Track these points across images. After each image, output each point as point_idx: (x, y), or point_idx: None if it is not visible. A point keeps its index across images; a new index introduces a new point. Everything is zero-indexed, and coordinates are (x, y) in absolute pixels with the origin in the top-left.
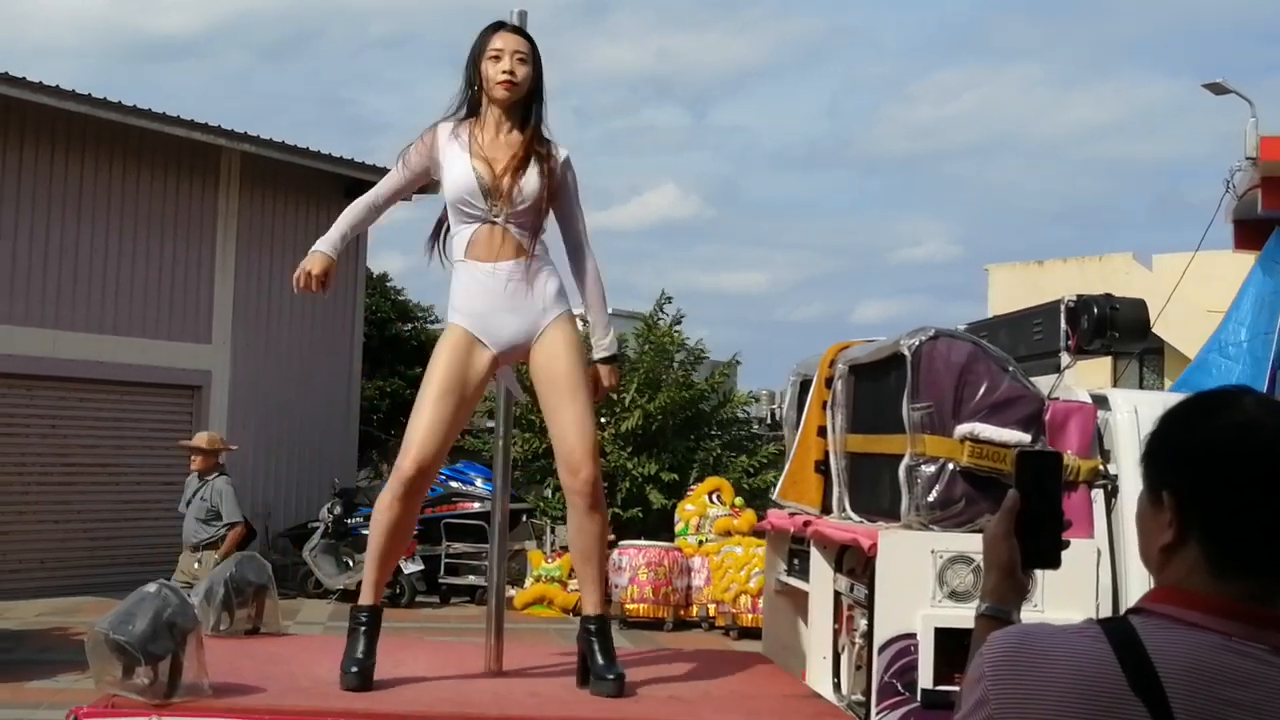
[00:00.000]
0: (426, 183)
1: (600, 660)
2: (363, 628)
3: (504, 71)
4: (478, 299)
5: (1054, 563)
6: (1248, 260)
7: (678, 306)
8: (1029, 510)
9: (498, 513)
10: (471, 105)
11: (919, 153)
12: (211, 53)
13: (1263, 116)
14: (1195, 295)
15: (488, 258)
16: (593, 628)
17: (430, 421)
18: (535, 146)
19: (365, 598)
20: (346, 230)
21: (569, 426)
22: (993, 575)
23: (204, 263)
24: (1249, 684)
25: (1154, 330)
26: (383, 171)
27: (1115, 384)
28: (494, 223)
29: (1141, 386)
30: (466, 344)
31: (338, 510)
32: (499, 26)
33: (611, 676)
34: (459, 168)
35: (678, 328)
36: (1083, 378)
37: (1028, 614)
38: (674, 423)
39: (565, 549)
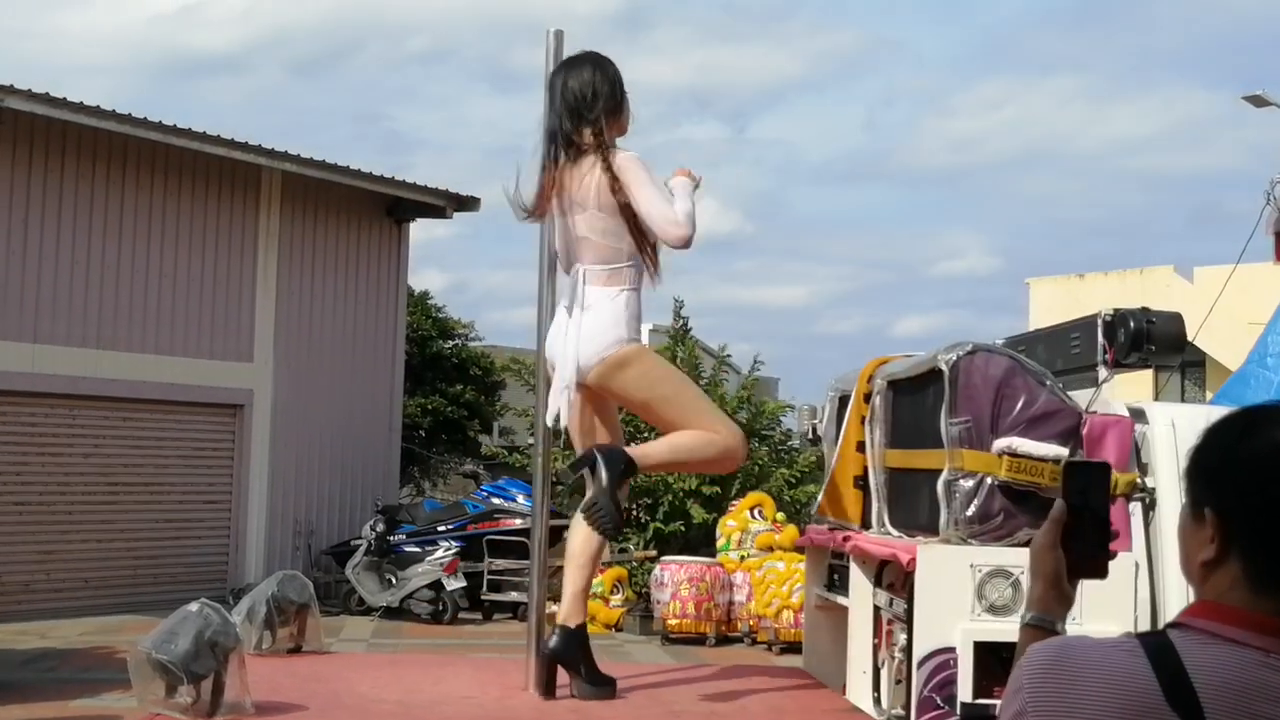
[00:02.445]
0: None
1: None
2: None
3: None
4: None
5: (1101, 573)
6: None
7: (685, 315)
8: (1075, 521)
9: (538, 528)
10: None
11: (959, 165)
12: (249, 69)
13: None
14: (1236, 307)
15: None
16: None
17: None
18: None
19: None
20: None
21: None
22: (1038, 585)
23: (245, 281)
24: None
25: (1195, 343)
26: (423, 189)
27: (1157, 397)
28: None
29: (1183, 399)
30: None
31: (380, 528)
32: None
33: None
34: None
35: (694, 336)
36: (1124, 391)
37: (1066, 626)
38: None
39: (608, 565)
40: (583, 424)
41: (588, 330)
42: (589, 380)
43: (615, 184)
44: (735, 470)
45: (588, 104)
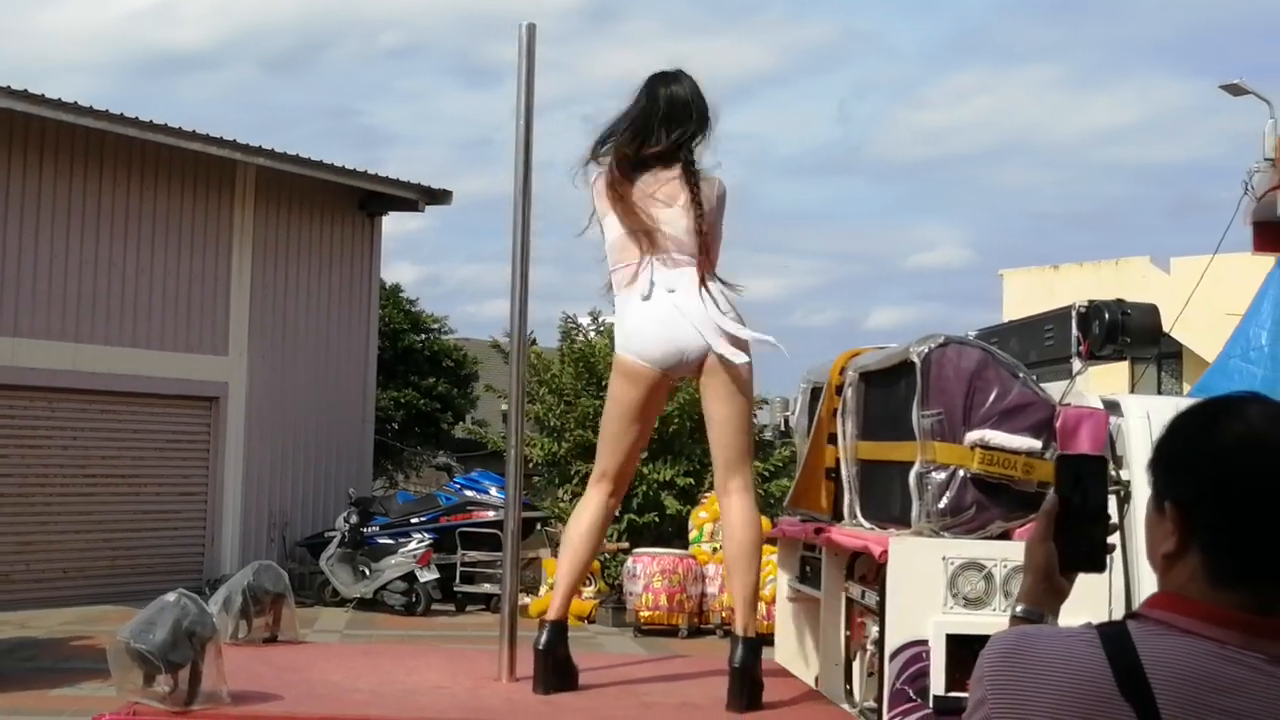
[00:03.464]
0: None
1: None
2: None
3: None
4: None
5: (1096, 566)
6: (1267, 262)
7: None
8: (1068, 514)
9: (511, 520)
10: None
11: (932, 157)
12: (223, 65)
13: None
14: (1214, 298)
15: None
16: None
17: None
18: None
19: None
20: None
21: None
22: (1029, 578)
23: (220, 275)
24: (1242, 692)
25: (1172, 334)
26: (396, 183)
27: (1133, 389)
28: None
29: (1160, 391)
30: None
31: (354, 519)
32: None
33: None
34: None
35: None
36: (1101, 382)
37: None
38: (689, 424)
39: None
40: (646, 409)
41: (715, 314)
42: (706, 365)
43: (720, 205)
44: None
45: (688, 114)
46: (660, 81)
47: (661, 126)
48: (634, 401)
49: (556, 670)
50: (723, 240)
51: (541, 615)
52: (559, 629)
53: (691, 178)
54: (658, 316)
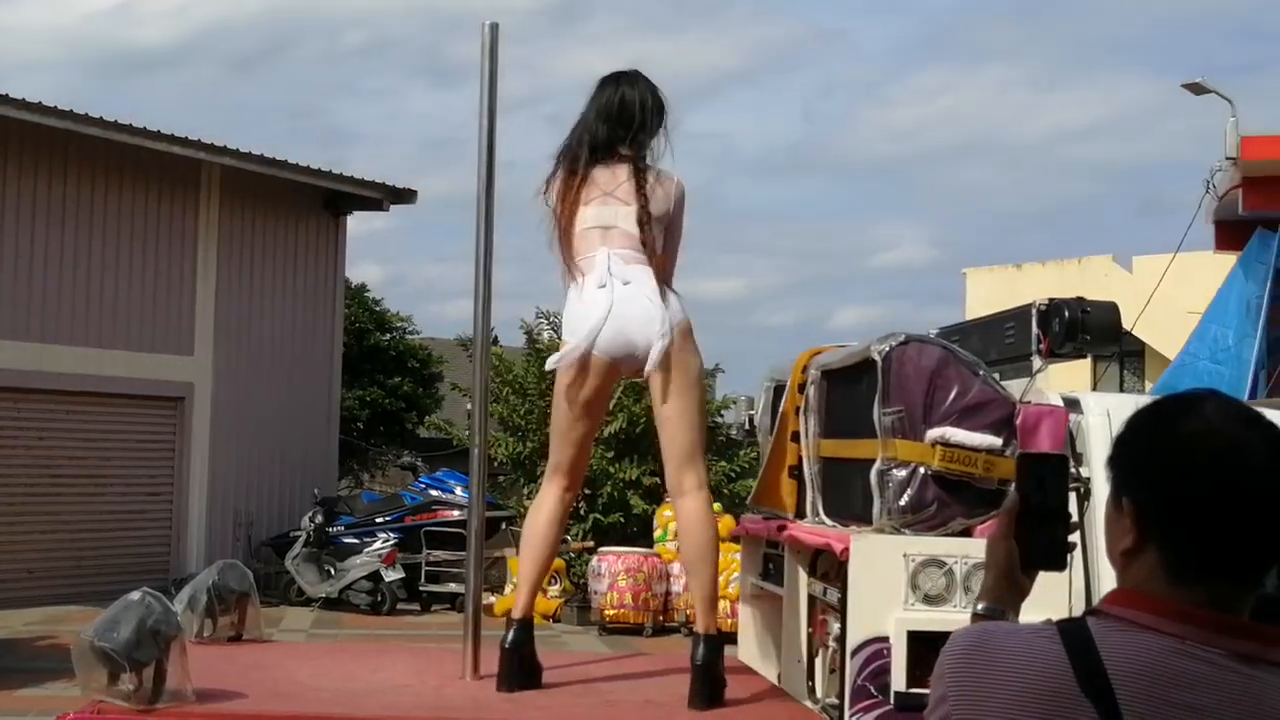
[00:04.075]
0: None
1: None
2: None
3: None
4: None
5: (1058, 565)
6: (1228, 261)
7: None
8: (1029, 512)
9: (474, 519)
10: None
11: (897, 156)
12: (186, 65)
13: (1243, 116)
14: (1176, 297)
15: None
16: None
17: None
18: None
19: None
20: None
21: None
22: (990, 575)
23: (186, 275)
24: (1201, 687)
25: (1134, 332)
26: (361, 182)
27: (1095, 386)
28: None
29: (1122, 389)
30: None
31: (319, 519)
32: None
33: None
34: None
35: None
36: (1063, 380)
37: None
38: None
39: None
40: (593, 399)
41: (656, 309)
42: (652, 357)
43: (679, 206)
44: None
45: (642, 113)
46: (612, 82)
47: (615, 126)
48: (580, 391)
49: (521, 668)
50: (684, 239)
51: (507, 614)
52: (525, 627)
53: (644, 177)
54: (608, 307)
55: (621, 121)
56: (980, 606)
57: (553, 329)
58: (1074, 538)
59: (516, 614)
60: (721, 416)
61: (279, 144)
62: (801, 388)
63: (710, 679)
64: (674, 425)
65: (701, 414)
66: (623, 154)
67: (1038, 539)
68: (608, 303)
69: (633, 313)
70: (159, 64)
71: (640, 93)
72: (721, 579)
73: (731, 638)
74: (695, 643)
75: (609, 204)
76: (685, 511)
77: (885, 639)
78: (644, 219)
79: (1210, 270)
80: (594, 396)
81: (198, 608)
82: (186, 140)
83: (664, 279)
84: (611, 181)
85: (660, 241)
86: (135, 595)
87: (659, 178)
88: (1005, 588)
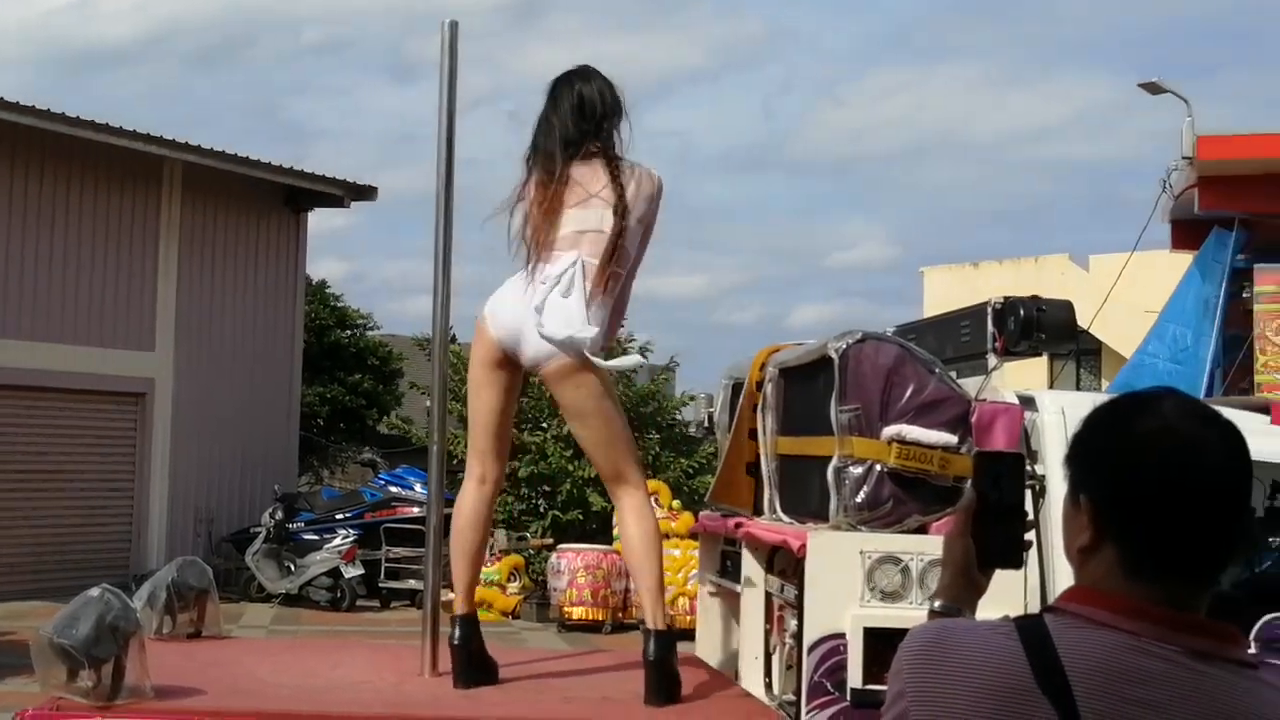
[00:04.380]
0: None
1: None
2: None
3: None
4: None
5: (1014, 563)
6: (1184, 260)
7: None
8: (985, 510)
9: (434, 516)
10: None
11: (857, 154)
12: (145, 61)
13: (1199, 116)
14: (1132, 295)
15: None
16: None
17: None
18: None
19: None
20: None
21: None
22: (947, 573)
23: (147, 271)
24: (1156, 684)
25: (1091, 331)
26: (322, 179)
27: (1051, 385)
28: None
29: (1078, 387)
30: None
31: (279, 515)
32: None
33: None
34: None
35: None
36: (1020, 378)
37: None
38: None
39: (505, 553)
40: (499, 404)
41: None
42: (551, 365)
43: (656, 205)
44: None
45: (601, 111)
46: (566, 81)
47: (580, 121)
48: (479, 363)
49: (475, 664)
50: (653, 235)
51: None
52: (469, 622)
53: (624, 175)
54: (521, 291)
55: (585, 116)
56: (937, 604)
57: None
58: (1029, 536)
59: (458, 610)
60: (679, 413)
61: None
62: (760, 385)
63: (664, 674)
64: (590, 449)
65: (612, 427)
66: (594, 149)
67: (994, 537)
68: (523, 292)
69: (529, 307)
70: (119, 61)
71: (598, 85)
72: (680, 576)
73: (688, 634)
74: (646, 639)
75: (592, 206)
76: (623, 512)
77: (842, 635)
78: (622, 226)
79: (1167, 269)
80: (493, 373)
81: (157, 604)
82: (148, 137)
83: (616, 284)
84: (594, 182)
85: (637, 245)
86: (95, 591)
87: (639, 177)
88: (962, 585)
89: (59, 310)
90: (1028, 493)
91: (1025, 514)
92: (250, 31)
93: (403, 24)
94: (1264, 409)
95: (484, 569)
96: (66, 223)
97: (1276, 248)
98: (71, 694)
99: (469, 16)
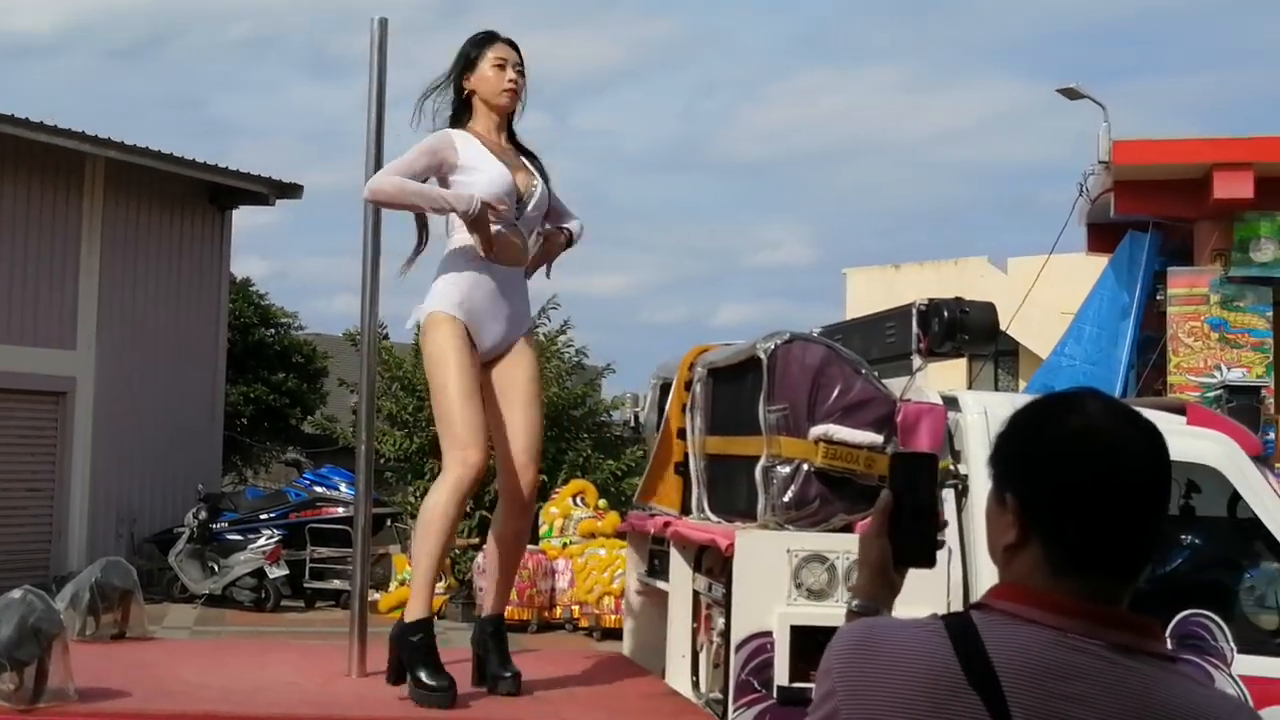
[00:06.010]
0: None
1: (498, 659)
2: None
3: (510, 80)
4: (479, 299)
5: (928, 562)
6: (1099, 263)
7: (567, 314)
8: (901, 510)
9: (360, 515)
10: (458, 112)
11: (778, 155)
12: (64, 53)
13: (1115, 121)
14: (1049, 298)
15: (500, 259)
16: (490, 629)
17: (475, 416)
18: (528, 152)
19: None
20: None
21: (521, 431)
22: (864, 573)
23: (68, 268)
24: (1082, 678)
25: (1009, 332)
26: (247, 176)
27: (970, 385)
28: (514, 225)
29: (996, 387)
30: (468, 341)
31: (203, 515)
32: (495, 37)
33: (509, 674)
34: (494, 171)
35: (564, 338)
36: (939, 379)
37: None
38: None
39: None
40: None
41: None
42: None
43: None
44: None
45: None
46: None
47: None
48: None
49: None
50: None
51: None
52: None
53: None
54: None
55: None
56: (855, 603)
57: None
58: (943, 536)
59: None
60: (609, 415)
61: (161, 135)
62: (688, 385)
63: (399, 659)
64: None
65: (436, 396)
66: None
67: (909, 537)
68: None
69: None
70: (36, 52)
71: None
72: (606, 575)
73: (615, 633)
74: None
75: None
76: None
77: (769, 634)
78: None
79: (1083, 272)
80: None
81: (80, 605)
82: (70, 132)
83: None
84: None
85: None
86: (16, 593)
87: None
88: (879, 584)
89: None
90: (949, 492)
91: (939, 514)
92: (176, 26)
93: (329, 20)
94: (1179, 409)
95: (410, 569)
96: None
97: (1190, 251)
98: None
99: (396, 12)
